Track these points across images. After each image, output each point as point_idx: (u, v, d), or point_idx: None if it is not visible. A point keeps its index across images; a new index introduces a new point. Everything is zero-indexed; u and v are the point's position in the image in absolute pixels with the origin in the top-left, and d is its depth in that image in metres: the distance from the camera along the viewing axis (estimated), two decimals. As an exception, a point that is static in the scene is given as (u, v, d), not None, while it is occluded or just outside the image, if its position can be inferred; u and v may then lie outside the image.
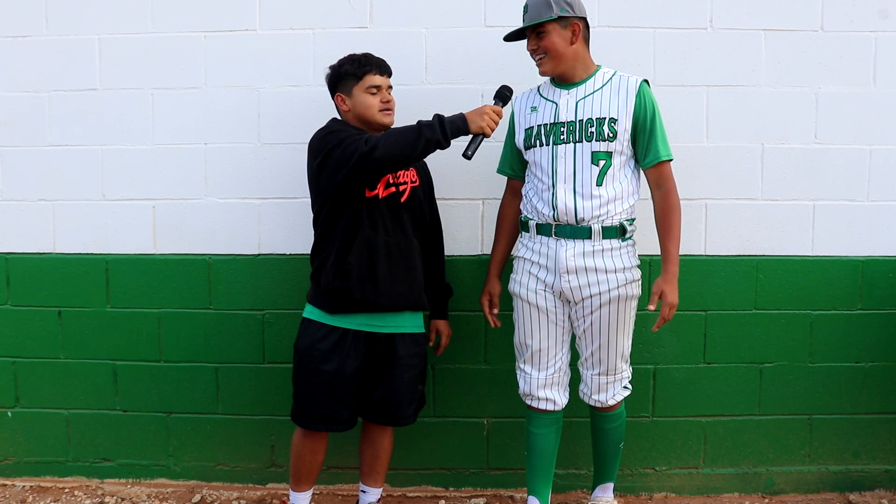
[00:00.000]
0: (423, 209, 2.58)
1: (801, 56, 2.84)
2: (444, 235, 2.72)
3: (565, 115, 2.39)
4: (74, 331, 3.00)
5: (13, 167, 2.98)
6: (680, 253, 2.80)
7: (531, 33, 2.38)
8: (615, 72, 2.43)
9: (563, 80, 2.44)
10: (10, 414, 3.06)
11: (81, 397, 3.03)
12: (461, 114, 2.32)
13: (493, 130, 2.32)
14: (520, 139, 2.50)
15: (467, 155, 2.33)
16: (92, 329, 2.99)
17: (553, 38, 2.34)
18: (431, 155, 2.36)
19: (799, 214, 2.89)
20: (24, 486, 3.05)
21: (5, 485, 3.06)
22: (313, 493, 2.65)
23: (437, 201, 2.72)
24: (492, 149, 2.65)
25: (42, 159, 2.96)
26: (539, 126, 2.43)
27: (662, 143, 2.38)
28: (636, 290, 2.46)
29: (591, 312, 2.43)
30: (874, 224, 2.89)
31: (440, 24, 2.85)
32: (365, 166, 2.28)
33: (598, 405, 2.54)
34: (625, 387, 2.54)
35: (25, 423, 3.06)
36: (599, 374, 2.50)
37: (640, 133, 2.38)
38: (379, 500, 2.69)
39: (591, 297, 2.41)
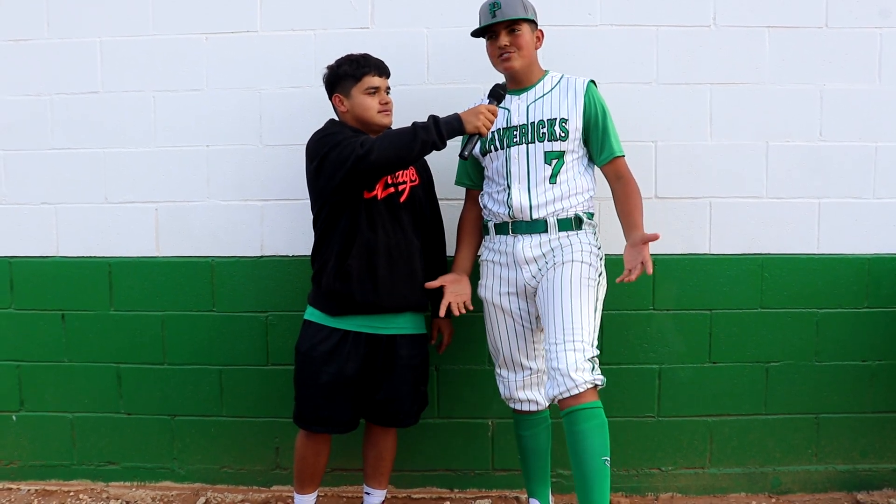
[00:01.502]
0: (423, 208, 2.57)
1: (805, 53, 2.82)
2: (445, 234, 2.71)
3: (517, 119, 2.45)
4: (78, 334, 3.00)
5: (16, 171, 2.98)
6: (684, 252, 2.77)
7: (504, 30, 2.41)
8: (563, 75, 2.49)
9: (515, 85, 2.49)
10: (14, 418, 3.06)
11: (85, 400, 3.03)
12: (456, 114, 2.32)
13: (488, 130, 2.33)
14: (476, 147, 2.51)
15: (464, 155, 2.35)
16: (95, 332, 2.99)
17: (526, 36, 2.42)
18: (431, 154, 2.35)
19: (804, 212, 2.87)
20: (29, 490, 3.05)
21: (10, 489, 3.06)
22: (318, 496, 2.65)
23: (438, 201, 2.71)
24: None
25: (44, 163, 2.96)
26: (493, 132, 2.47)
27: (615, 140, 2.44)
28: (596, 261, 2.40)
29: (545, 274, 2.39)
30: (880, 222, 2.87)
31: (441, 23, 2.84)
32: (361, 169, 2.28)
33: (564, 392, 2.18)
34: (593, 369, 2.21)
35: (30, 426, 3.06)
36: (556, 343, 2.23)
37: (593, 131, 2.43)
38: (383, 501, 2.69)
39: (547, 269, 2.40)
